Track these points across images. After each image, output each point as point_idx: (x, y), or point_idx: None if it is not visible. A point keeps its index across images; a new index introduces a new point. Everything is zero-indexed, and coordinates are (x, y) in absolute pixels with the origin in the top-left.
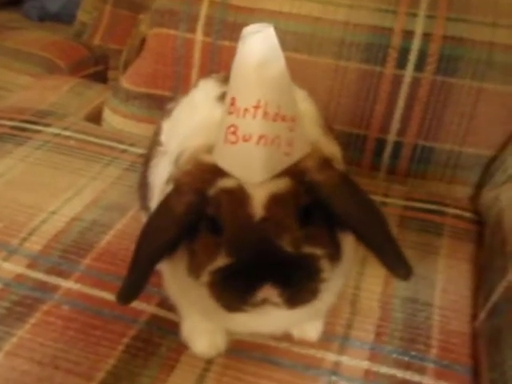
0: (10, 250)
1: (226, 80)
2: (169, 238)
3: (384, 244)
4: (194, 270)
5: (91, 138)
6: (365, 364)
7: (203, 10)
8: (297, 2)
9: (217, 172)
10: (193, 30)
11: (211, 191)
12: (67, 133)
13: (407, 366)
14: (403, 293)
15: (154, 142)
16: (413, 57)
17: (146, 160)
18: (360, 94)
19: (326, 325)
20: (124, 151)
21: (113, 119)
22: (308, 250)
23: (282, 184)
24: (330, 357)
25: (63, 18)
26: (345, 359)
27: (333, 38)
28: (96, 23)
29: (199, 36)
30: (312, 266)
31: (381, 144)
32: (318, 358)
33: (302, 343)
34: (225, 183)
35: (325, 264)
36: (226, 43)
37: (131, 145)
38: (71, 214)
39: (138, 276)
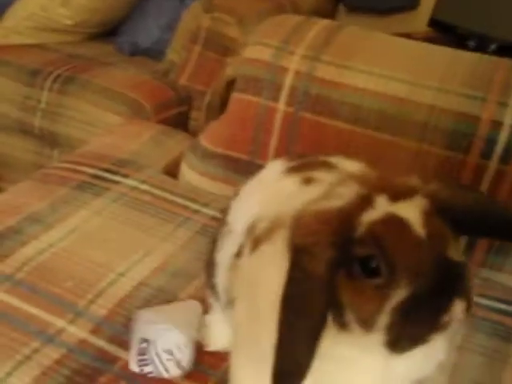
0: (77, 311)
1: (293, 159)
2: (319, 303)
3: None
4: (364, 322)
5: (166, 194)
6: None
7: (288, 81)
8: (382, 80)
9: (347, 213)
10: (276, 98)
11: (358, 231)
12: (144, 186)
13: None
14: None
15: (222, 222)
16: (499, 148)
17: (215, 239)
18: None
19: None
20: (197, 212)
21: (190, 175)
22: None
23: (422, 201)
24: None
25: (153, 53)
26: None
27: (417, 121)
28: (184, 63)
29: (281, 105)
30: (468, 273)
31: None
32: None
33: None
34: (371, 217)
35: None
36: (308, 115)
37: (204, 205)
38: (139, 278)
39: (302, 356)
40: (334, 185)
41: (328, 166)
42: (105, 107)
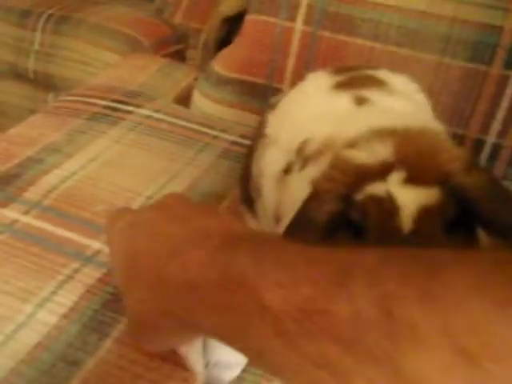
0: None
1: (337, 72)
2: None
3: None
4: None
5: (183, 122)
6: None
7: None
8: None
9: (365, 175)
10: (293, 18)
11: (358, 196)
12: (158, 115)
13: None
14: None
15: (259, 136)
16: None
17: (249, 154)
18: (462, 92)
19: None
20: (216, 137)
21: (203, 103)
22: None
23: (432, 195)
24: None
25: None
26: None
27: (438, 34)
28: (177, 1)
29: (299, 25)
30: None
31: (479, 145)
32: None
33: None
34: (374, 189)
35: None
36: (326, 34)
37: (222, 131)
38: None
39: None
40: (374, 136)
41: (377, 83)
42: (102, 45)
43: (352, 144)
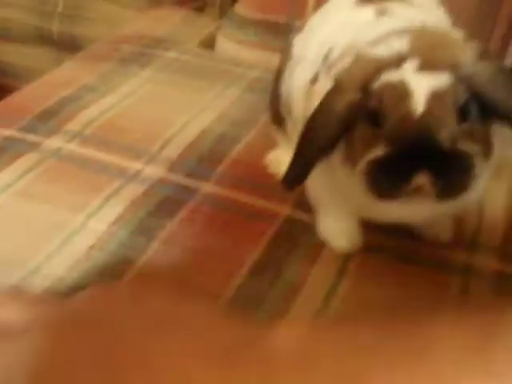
0: (150, 156)
1: None
2: (330, 135)
3: None
4: (351, 159)
5: (209, 63)
6: None
7: None
8: None
9: (382, 66)
10: None
11: (375, 85)
12: (186, 57)
13: None
14: None
15: (285, 58)
16: None
17: (277, 77)
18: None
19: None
20: (242, 74)
21: (227, 45)
22: (464, 146)
23: (443, 80)
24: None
25: None
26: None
27: None
28: None
29: None
30: (466, 162)
31: None
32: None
33: (433, 244)
34: (389, 77)
35: (478, 161)
36: None
37: (248, 68)
38: (201, 127)
39: (303, 168)
40: (392, 34)
41: None
42: (124, 4)
43: (372, 43)
